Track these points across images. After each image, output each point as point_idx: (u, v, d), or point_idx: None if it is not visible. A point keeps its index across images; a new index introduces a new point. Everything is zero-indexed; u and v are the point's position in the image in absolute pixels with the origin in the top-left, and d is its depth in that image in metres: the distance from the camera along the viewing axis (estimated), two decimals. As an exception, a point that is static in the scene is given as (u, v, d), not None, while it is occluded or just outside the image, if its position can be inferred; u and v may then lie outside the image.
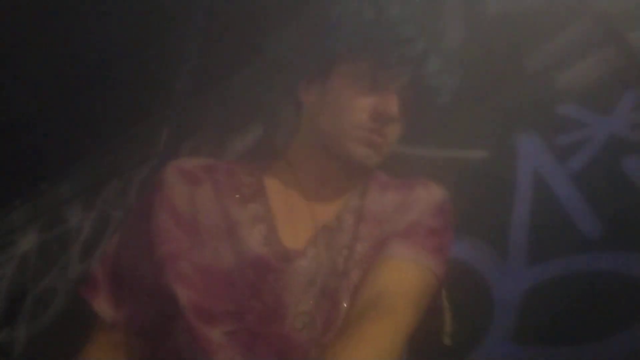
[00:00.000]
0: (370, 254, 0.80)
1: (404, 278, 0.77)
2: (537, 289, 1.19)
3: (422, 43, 0.82)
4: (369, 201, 0.86)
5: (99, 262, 0.83)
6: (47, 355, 2.26)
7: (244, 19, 2.25)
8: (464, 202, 1.34)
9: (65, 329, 2.24)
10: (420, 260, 0.79)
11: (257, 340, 0.73)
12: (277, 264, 0.78)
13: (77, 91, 2.67)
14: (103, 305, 0.80)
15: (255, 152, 2.04)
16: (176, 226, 0.80)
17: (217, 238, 0.80)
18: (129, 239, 0.83)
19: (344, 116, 0.82)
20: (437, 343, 0.88)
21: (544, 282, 1.19)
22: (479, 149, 1.42)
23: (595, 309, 1.11)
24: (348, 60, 0.83)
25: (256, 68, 2.25)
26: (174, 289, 0.75)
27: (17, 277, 2.87)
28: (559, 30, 1.40)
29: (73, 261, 2.57)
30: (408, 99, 0.83)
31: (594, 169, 1.23)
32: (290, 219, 0.83)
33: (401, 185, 0.90)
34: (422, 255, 0.79)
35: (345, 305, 0.76)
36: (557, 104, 1.34)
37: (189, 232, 0.80)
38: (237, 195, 0.85)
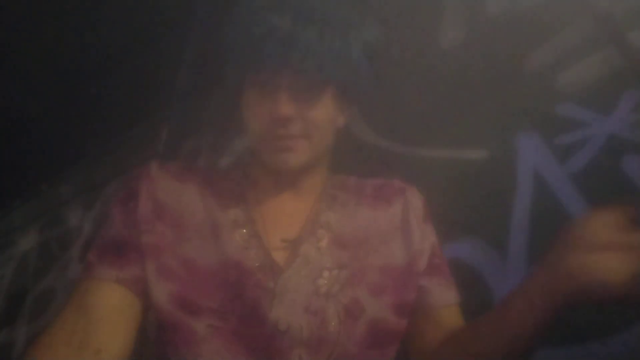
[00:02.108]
0: (358, 276, 0.82)
1: (455, 324, 0.86)
2: (537, 289, 1.19)
3: (289, 20, 0.77)
4: (345, 222, 0.86)
5: (89, 251, 0.81)
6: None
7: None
8: (464, 202, 1.34)
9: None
10: (454, 299, 0.89)
11: (239, 340, 0.74)
12: (257, 271, 0.79)
13: (77, 91, 2.67)
14: (104, 270, 0.77)
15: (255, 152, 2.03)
16: (158, 219, 0.80)
17: (201, 236, 0.80)
18: (119, 219, 0.82)
19: (253, 130, 0.83)
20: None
21: (544, 282, 1.19)
22: (479, 149, 1.42)
23: (595, 309, 1.11)
24: (251, 70, 0.82)
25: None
26: (153, 285, 0.76)
27: (17, 277, 2.87)
28: (559, 30, 1.40)
29: (73, 261, 2.57)
30: (308, 81, 0.79)
31: (594, 169, 1.23)
32: (269, 227, 0.84)
33: (375, 196, 0.90)
34: (453, 292, 0.89)
35: (336, 326, 0.77)
36: (557, 104, 1.34)
37: (173, 226, 0.80)
38: (218, 200, 0.85)
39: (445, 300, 0.87)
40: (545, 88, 1.38)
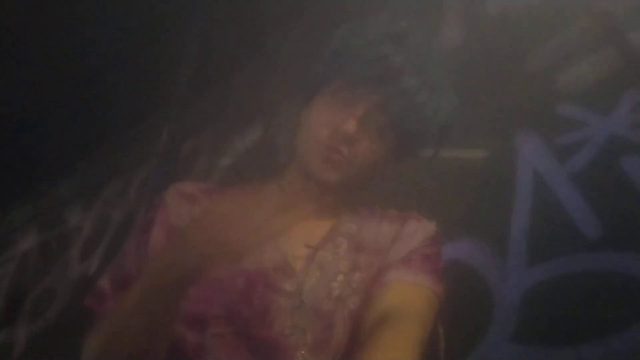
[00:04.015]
0: (368, 282, 0.82)
1: (407, 296, 0.80)
2: (537, 289, 1.19)
3: (399, 59, 0.80)
4: (366, 232, 0.88)
5: (106, 273, 0.83)
6: (47, 355, 2.26)
7: (244, 19, 2.25)
8: (464, 202, 1.34)
9: (65, 329, 2.24)
10: (419, 281, 0.82)
11: (244, 343, 0.74)
12: (271, 272, 0.79)
13: (77, 91, 2.67)
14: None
15: (255, 152, 2.04)
16: (169, 242, 0.81)
17: None
18: (132, 251, 0.84)
19: (310, 132, 0.84)
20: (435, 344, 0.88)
21: (544, 282, 1.19)
22: (479, 149, 1.42)
23: (595, 309, 1.11)
24: (336, 81, 0.84)
25: (256, 68, 2.25)
26: None
27: (17, 277, 2.87)
28: (559, 30, 1.41)
29: (73, 261, 2.57)
30: (385, 119, 0.81)
31: (594, 169, 1.23)
32: (289, 235, 0.84)
33: (395, 218, 0.91)
34: (419, 277, 0.82)
35: (340, 329, 0.77)
36: (557, 104, 1.34)
37: None
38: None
39: (398, 278, 0.81)
40: (545, 88, 1.38)
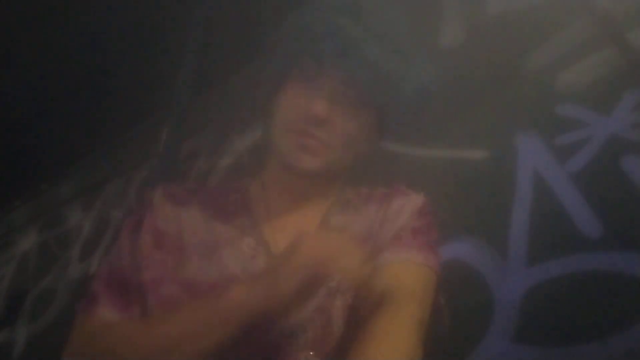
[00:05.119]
0: None
1: (400, 277, 0.77)
2: (537, 289, 1.19)
3: (357, 30, 0.76)
4: (355, 220, 0.86)
5: (96, 278, 0.81)
6: (47, 355, 2.26)
7: (244, 19, 2.25)
8: (464, 202, 1.34)
9: (65, 329, 2.24)
10: (412, 258, 0.79)
11: (243, 348, 0.72)
12: (264, 280, 0.76)
13: (77, 91, 2.67)
14: (107, 311, 0.77)
15: (255, 152, 2.04)
16: (159, 249, 0.79)
17: (202, 255, 0.80)
18: (126, 253, 0.81)
19: (280, 120, 0.81)
20: (435, 343, 0.88)
21: (544, 282, 1.19)
22: (479, 149, 1.42)
23: (595, 309, 1.11)
24: (300, 63, 0.81)
25: (256, 68, 2.25)
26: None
27: (17, 277, 2.87)
28: (559, 30, 1.40)
29: (73, 261, 2.57)
30: (355, 94, 0.79)
31: (594, 169, 1.23)
32: (276, 233, 0.83)
33: (382, 198, 0.89)
34: (412, 254, 0.80)
35: (339, 323, 0.76)
36: (557, 104, 1.34)
37: (173, 251, 0.80)
38: (222, 215, 0.84)
39: (390, 258, 0.79)
40: (545, 88, 1.38)
